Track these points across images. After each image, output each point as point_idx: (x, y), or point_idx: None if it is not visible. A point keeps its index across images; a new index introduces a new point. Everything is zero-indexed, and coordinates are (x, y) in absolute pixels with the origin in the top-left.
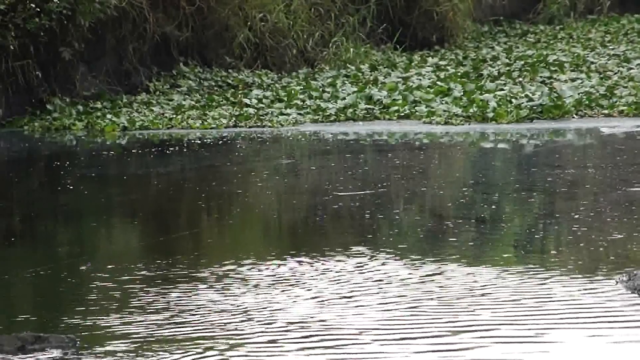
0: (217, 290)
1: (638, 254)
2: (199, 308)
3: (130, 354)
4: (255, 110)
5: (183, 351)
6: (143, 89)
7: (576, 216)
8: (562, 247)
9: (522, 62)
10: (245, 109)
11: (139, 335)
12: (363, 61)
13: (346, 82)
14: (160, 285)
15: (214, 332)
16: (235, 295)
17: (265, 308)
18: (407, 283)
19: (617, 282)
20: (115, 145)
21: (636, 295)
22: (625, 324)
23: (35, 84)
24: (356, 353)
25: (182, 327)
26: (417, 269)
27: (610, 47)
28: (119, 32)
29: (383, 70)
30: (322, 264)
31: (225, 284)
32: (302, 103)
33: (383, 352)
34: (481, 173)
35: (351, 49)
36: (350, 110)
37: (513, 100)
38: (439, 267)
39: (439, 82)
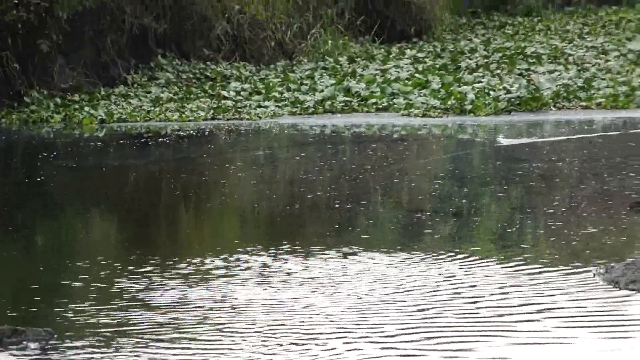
0: (192, 283)
1: (614, 247)
2: (175, 302)
3: (107, 347)
4: (234, 103)
5: (159, 344)
6: (121, 81)
7: (551, 210)
8: (538, 241)
9: (500, 54)
10: (223, 101)
11: (115, 329)
12: (341, 53)
13: (324, 74)
14: (138, 278)
15: (191, 324)
16: (205, 288)
17: (245, 302)
18: (382, 277)
19: (594, 275)
20: (93, 137)
21: (614, 287)
22: (603, 316)
23: (12, 77)
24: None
25: (159, 320)
26: (391, 263)
27: (588, 39)
28: (97, 24)
29: (361, 63)
30: (301, 258)
31: (200, 276)
32: (280, 95)
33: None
34: (459, 165)
35: (329, 41)
36: (329, 102)
37: (491, 92)
38: (412, 261)
39: (417, 75)
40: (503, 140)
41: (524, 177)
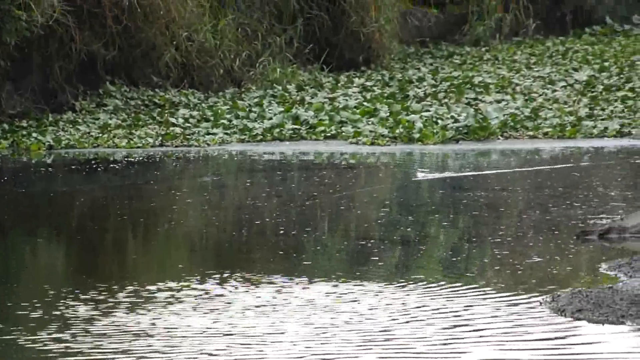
0: (138, 310)
1: (560, 276)
2: (121, 329)
3: None
4: (182, 130)
5: None
6: (69, 107)
7: (498, 239)
8: (485, 270)
9: (448, 84)
10: (171, 128)
11: (61, 357)
12: (290, 81)
13: (273, 102)
14: (84, 305)
15: (136, 352)
16: (151, 315)
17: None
18: (329, 304)
19: (541, 304)
20: (41, 163)
21: (560, 315)
22: (549, 344)
23: None
24: None
25: (105, 348)
26: (337, 290)
27: (535, 69)
28: (46, 50)
29: (310, 91)
30: (243, 287)
31: (146, 304)
32: (228, 123)
33: None
34: (406, 194)
35: (278, 69)
36: (277, 130)
37: (439, 121)
38: (359, 288)
39: (365, 103)
40: (419, 174)
41: (470, 207)
